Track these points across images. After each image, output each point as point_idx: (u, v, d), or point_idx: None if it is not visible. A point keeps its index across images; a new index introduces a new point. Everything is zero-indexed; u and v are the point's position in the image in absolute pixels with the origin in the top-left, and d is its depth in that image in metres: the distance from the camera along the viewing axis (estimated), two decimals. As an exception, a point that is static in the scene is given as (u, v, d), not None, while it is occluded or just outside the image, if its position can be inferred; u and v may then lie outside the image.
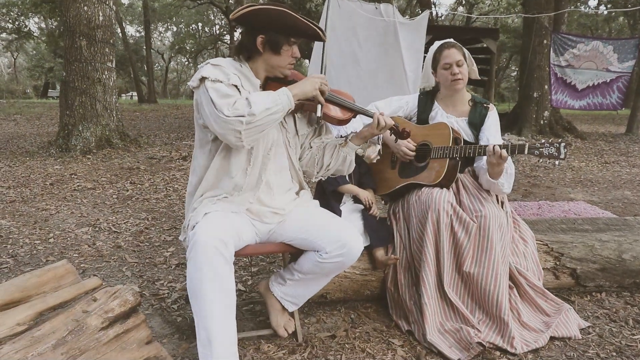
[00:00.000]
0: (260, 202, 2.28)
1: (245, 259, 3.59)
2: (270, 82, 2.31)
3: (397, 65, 5.74)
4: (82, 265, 3.47)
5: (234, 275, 2.02)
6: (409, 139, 2.71)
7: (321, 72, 2.30)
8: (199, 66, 2.21)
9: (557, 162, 2.44)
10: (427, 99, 2.95)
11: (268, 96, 2.06)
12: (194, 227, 2.08)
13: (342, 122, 2.39)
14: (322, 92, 2.21)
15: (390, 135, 2.60)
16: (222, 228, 2.02)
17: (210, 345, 1.95)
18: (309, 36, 2.28)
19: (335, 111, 2.36)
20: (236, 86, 2.11)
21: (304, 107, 2.33)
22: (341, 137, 2.80)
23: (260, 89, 2.27)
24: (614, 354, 2.38)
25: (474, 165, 2.79)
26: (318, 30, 2.23)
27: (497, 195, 2.78)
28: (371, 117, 2.39)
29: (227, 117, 1.98)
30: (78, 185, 6.02)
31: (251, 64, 2.27)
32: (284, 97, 2.08)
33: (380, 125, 2.36)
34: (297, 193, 2.46)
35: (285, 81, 2.32)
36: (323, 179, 2.62)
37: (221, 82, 2.07)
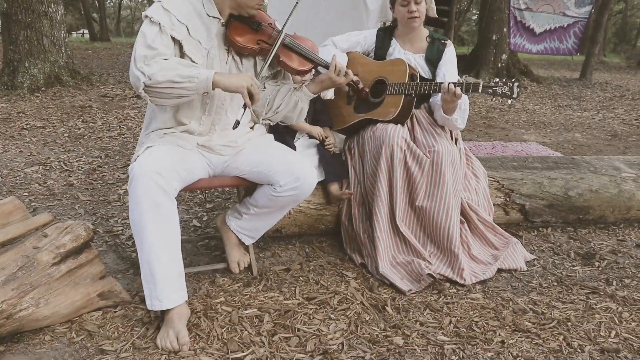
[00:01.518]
0: (212, 140, 2.25)
1: (200, 195, 3.58)
2: (234, 21, 2.21)
3: (358, 2, 5.61)
4: (32, 204, 3.39)
5: (176, 207, 2.01)
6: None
7: (288, 17, 2.18)
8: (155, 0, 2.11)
9: (509, 102, 2.47)
10: (385, 35, 2.92)
11: (185, 70, 1.95)
12: (135, 160, 2.05)
13: (301, 72, 2.33)
14: (250, 94, 2.01)
15: (348, 90, 2.58)
16: (162, 161, 1.99)
17: (153, 279, 1.95)
18: None
19: (294, 61, 2.28)
20: (176, 40, 2.03)
21: (263, 52, 2.26)
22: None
23: (221, 28, 2.19)
24: (555, 283, 2.50)
25: (430, 100, 2.81)
26: None
27: (451, 132, 2.82)
28: None
29: (136, 67, 1.94)
30: (26, 124, 5.80)
31: None
32: (202, 79, 1.95)
33: (338, 69, 2.31)
34: (252, 128, 2.43)
35: (250, 21, 2.23)
36: (272, 123, 2.58)
37: (159, 26, 1.99)
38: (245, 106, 2.03)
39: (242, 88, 1.99)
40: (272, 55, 2.18)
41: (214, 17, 2.16)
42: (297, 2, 2.24)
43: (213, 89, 1.99)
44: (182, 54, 2.08)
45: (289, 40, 2.26)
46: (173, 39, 2.03)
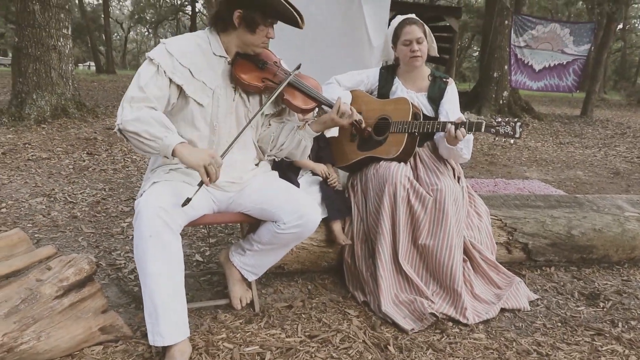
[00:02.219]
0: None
1: (203, 230, 3.58)
2: (240, 59, 2.27)
3: (362, 40, 5.69)
4: (36, 235, 3.40)
5: (180, 243, 2.02)
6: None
7: (287, 78, 2.21)
8: (160, 40, 2.16)
9: (512, 141, 2.50)
10: (388, 73, 2.96)
11: (156, 129, 1.95)
12: (141, 195, 2.06)
13: (305, 111, 2.36)
14: (207, 172, 1.94)
15: (352, 130, 2.60)
16: (167, 197, 2.01)
17: (156, 314, 1.95)
18: (287, 20, 2.23)
19: (297, 99, 2.32)
20: (177, 85, 2.09)
21: (267, 90, 2.30)
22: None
23: (227, 66, 2.24)
24: (559, 324, 2.48)
25: (434, 137, 2.83)
26: (297, 16, 2.17)
27: (453, 170, 2.83)
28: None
29: (121, 105, 2.01)
30: (32, 155, 5.85)
31: (224, 37, 2.22)
32: (165, 144, 1.95)
33: (342, 111, 2.35)
34: (257, 164, 2.46)
35: (255, 59, 2.28)
36: (277, 159, 2.61)
37: (158, 67, 2.05)
38: (201, 183, 1.98)
39: (200, 167, 1.94)
40: (277, 93, 2.22)
41: (220, 56, 2.21)
42: (300, 64, 2.30)
43: (173, 157, 1.98)
44: (185, 97, 2.12)
45: (293, 79, 2.30)
46: (172, 81, 2.08)
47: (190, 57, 2.12)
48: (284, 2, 2.11)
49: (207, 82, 2.16)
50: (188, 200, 1.94)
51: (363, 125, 2.50)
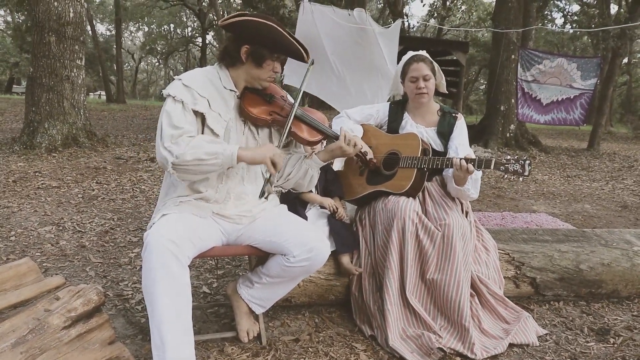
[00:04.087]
0: (227, 209, 2.30)
1: (211, 262, 3.59)
2: (249, 94, 2.34)
3: (383, 72, 5.77)
4: (44, 264, 3.42)
5: (189, 276, 2.03)
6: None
7: (300, 89, 2.29)
8: (175, 77, 2.22)
9: (521, 179, 2.51)
10: (397, 108, 3.00)
11: (210, 147, 2.05)
12: (151, 227, 2.09)
13: (311, 143, 2.42)
14: (273, 163, 2.13)
15: (357, 161, 2.64)
16: (176, 230, 2.03)
17: (163, 346, 1.95)
18: (293, 55, 2.30)
19: (304, 132, 2.38)
20: (200, 113, 2.14)
21: (275, 123, 2.36)
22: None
23: (236, 100, 2.31)
24: (569, 360, 2.46)
25: (442, 173, 2.85)
26: (302, 51, 2.26)
27: (462, 205, 2.84)
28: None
29: (164, 147, 2.04)
30: (42, 184, 5.91)
31: (232, 72, 2.30)
32: (227, 155, 2.06)
33: (348, 139, 2.40)
34: (266, 198, 2.48)
35: (263, 94, 2.35)
36: (283, 190, 2.64)
37: (182, 104, 2.10)
38: (270, 175, 2.13)
39: (266, 159, 2.09)
40: (288, 127, 2.26)
41: (230, 90, 2.27)
42: (304, 77, 2.34)
43: (237, 163, 2.07)
44: (204, 126, 2.17)
45: (299, 112, 2.37)
46: (195, 112, 2.13)
47: (206, 89, 2.18)
48: (289, 37, 2.19)
49: (222, 114, 2.21)
50: (263, 193, 2.13)
51: (368, 156, 2.53)
